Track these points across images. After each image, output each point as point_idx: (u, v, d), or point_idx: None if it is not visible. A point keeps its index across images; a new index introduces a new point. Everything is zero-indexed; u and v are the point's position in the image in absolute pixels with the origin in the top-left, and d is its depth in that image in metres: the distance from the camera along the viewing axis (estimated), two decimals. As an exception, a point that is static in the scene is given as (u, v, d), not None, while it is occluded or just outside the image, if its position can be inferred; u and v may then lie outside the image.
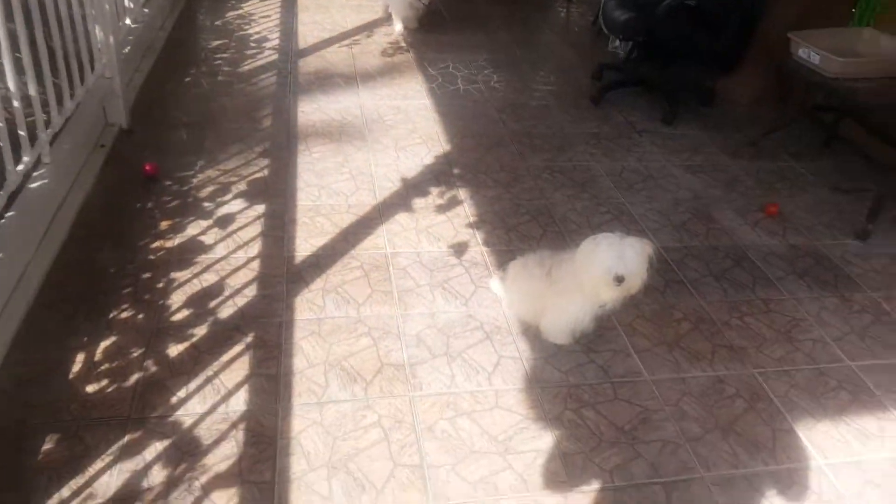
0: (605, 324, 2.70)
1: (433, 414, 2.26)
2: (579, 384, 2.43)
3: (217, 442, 2.13)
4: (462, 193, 3.53)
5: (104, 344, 2.43)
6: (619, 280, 2.22)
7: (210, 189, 3.40)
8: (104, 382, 2.29)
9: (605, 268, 2.24)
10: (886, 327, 2.86)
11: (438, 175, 3.68)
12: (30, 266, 2.63)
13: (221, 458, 2.08)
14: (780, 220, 3.55)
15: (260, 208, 3.26)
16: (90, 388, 2.26)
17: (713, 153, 4.20)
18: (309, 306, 2.67)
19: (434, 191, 3.53)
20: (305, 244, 3.03)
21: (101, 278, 2.74)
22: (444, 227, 3.24)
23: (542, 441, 2.21)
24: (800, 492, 2.14)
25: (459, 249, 3.09)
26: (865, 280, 3.14)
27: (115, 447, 2.08)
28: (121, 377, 2.31)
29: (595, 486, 2.08)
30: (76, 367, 2.33)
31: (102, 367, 2.34)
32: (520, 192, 3.59)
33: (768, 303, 2.93)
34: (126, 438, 2.11)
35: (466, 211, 3.38)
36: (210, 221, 3.15)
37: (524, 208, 3.45)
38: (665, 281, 3.00)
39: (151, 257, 2.87)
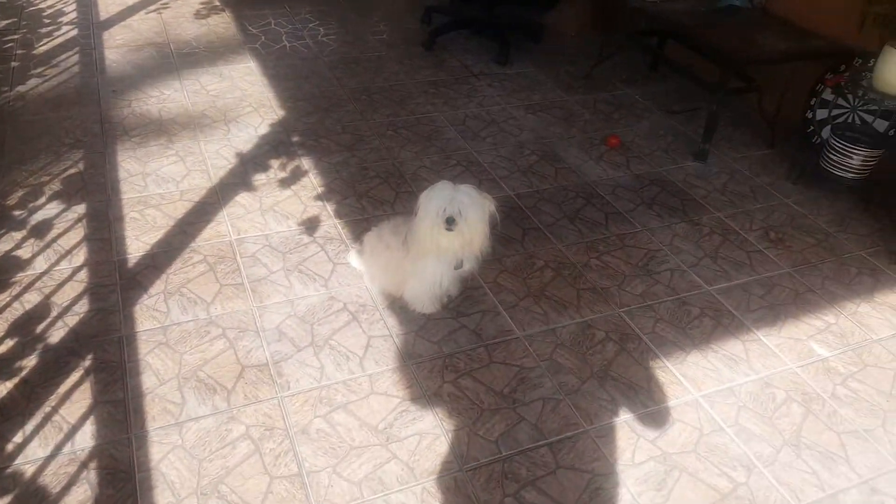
0: (470, 284, 2.68)
1: (306, 413, 2.13)
2: (453, 353, 2.39)
3: (67, 488, 1.88)
4: (305, 163, 3.31)
5: None
6: (450, 222, 2.19)
7: (18, 194, 2.95)
8: None
9: (434, 213, 2.22)
10: (734, 245, 3.05)
11: (277, 145, 3.43)
12: None
13: None
14: (622, 151, 3.68)
15: (80, 209, 2.88)
16: None
17: (549, 89, 4.26)
18: (150, 314, 2.40)
19: (274, 163, 3.28)
20: (137, 243, 2.71)
21: None
22: (291, 202, 3.04)
23: (424, 422, 2.15)
24: (682, 429, 2.22)
25: (311, 225, 2.91)
26: (710, 201, 3.33)
27: None
28: None
29: (484, 460, 2.06)
30: None
31: None
32: (366, 153, 3.43)
33: (623, 238, 3.03)
34: None
35: (312, 181, 3.19)
36: (24, 232, 2.74)
37: (373, 171, 3.30)
38: (523, 229, 3.02)
39: None
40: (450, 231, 2.21)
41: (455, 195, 2.22)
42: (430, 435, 2.11)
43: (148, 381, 2.17)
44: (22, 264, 2.58)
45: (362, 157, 3.39)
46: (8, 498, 1.86)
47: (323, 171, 3.26)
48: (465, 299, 2.61)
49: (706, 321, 2.63)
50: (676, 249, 2.99)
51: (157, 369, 2.21)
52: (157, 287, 2.51)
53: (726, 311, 2.68)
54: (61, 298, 2.43)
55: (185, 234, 2.78)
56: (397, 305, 2.55)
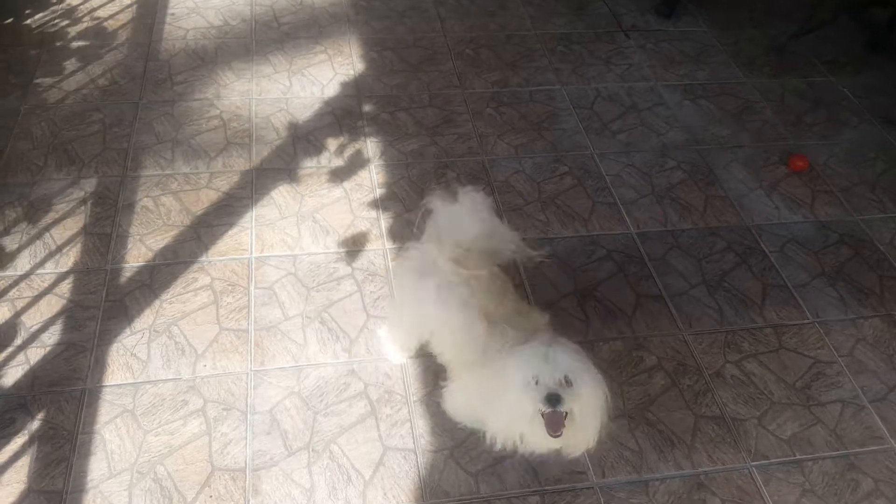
0: None
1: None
2: (492, 496, 1.75)
3: None
4: (370, 147, 2.64)
5: None
6: (554, 401, 1.41)
7: (28, 150, 2.50)
8: None
9: (523, 383, 1.45)
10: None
11: (342, 116, 2.75)
12: None
13: None
14: (809, 179, 2.68)
15: (88, 184, 2.39)
16: None
17: (722, 64, 3.20)
18: (126, 362, 1.93)
19: (332, 144, 2.63)
20: (140, 247, 2.21)
21: None
22: (339, 208, 2.41)
23: None
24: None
25: (354, 248, 2.28)
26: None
27: None
28: None
29: None
30: None
31: None
32: (450, 141, 2.69)
33: (782, 332, 2.17)
34: None
35: (372, 178, 2.53)
36: (18, 210, 2.29)
37: (453, 170, 2.58)
38: (636, 295, 2.22)
39: None
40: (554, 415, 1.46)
41: (556, 358, 1.45)
42: None
43: (96, 468, 1.72)
44: (3, 259, 2.16)
45: (444, 147, 2.66)
46: None
47: (390, 162, 2.58)
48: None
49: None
50: (858, 366, 2.11)
51: (111, 451, 1.75)
52: (145, 319, 2.03)
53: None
54: (32, 319, 2.02)
55: (199, 240, 2.26)
56: (434, 401, 1.94)
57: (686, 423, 1.95)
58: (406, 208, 2.43)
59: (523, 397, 1.44)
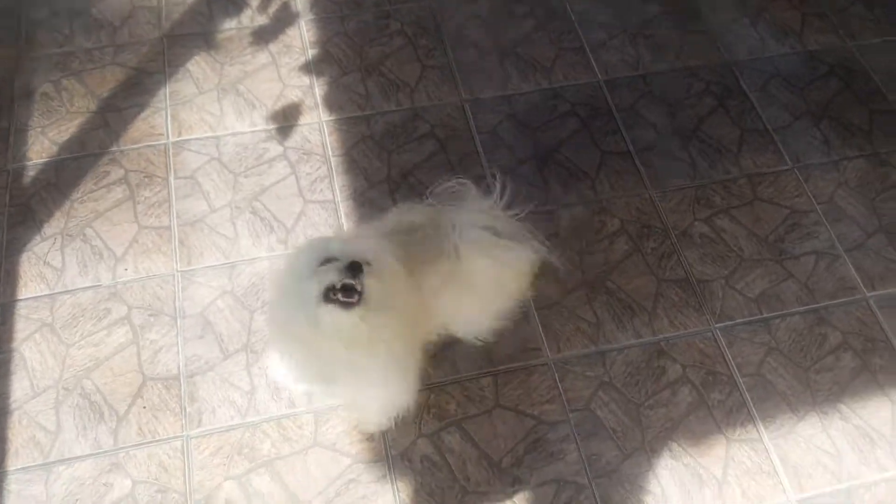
0: None
1: (214, 471, 1.52)
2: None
3: None
4: (300, 2, 2.27)
5: None
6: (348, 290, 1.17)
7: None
8: None
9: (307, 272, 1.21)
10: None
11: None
12: None
13: None
14: (798, 1, 2.33)
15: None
16: None
17: None
18: (40, 271, 1.75)
19: (254, 4, 2.25)
20: (42, 141, 1.96)
21: None
22: (265, 75, 2.11)
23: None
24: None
25: (286, 123, 2.02)
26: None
27: None
28: None
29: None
30: None
31: None
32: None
33: (758, 182, 1.95)
34: None
35: (303, 36, 2.20)
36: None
37: (396, 21, 2.24)
38: (601, 152, 1.97)
39: None
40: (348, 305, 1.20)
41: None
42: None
43: (19, 388, 1.61)
44: None
45: (385, -8, 2.34)
46: None
47: (322, 16, 2.23)
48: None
49: (846, 359, 1.73)
50: (836, 212, 1.94)
51: (33, 368, 1.63)
52: (56, 223, 1.83)
53: (883, 343, 1.78)
54: None
55: (108, 127, 1.99)
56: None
57: (648, 290, 1.81)
58: (343, 70, 2.13)
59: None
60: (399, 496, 1.53)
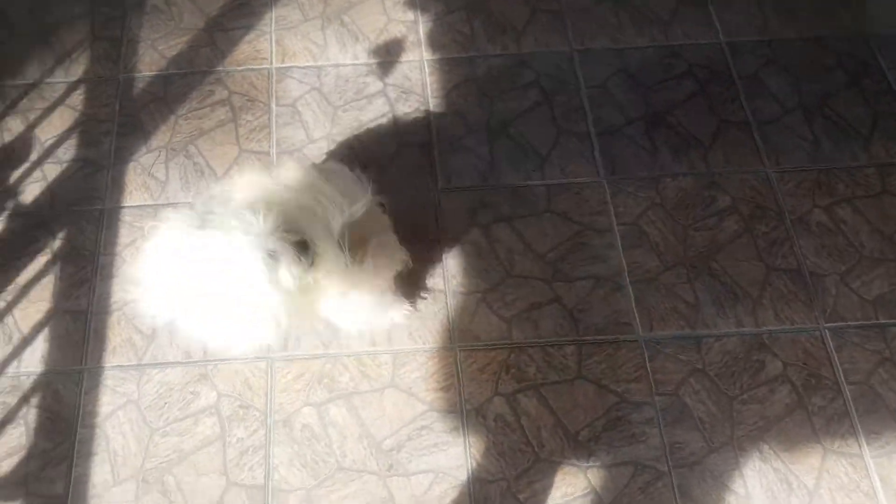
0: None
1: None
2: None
3: (1, 426, 1.56)
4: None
5: None
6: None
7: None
8: None
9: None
10: None
11: None
12: None
13: (6, 452, 1.46)
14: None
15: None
16: None
17: None
18: (144, 182, 1.72)
19: (367, -74, 2.16)
20: (152, 54, 1.90)
21: None
22: (370, 7, 1.97)
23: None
24: None
25: (387, 58, 1.89)
26: None
27: None
28: None
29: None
30: None
31: None
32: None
33: (889, 172, 1.72)
34: None
35: (413, -33, 2.09)
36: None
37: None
38: (718, 121, 1.77)
39: None
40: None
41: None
42: None
43: (118, 290, 1.63)
44: (14, 67, 1.90)
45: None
46: None
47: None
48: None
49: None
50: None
51: (126, 277, 1.66)
52: (161, 137, 1.79)
53: None
54: (46, 133, 1.81)
55: (214, 47, 1.92)
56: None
57: (755, 276, 1.64)
58: (448, 8, 1.98)
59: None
60: (469, 451, 1.47)
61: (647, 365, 1.56)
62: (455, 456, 1.48)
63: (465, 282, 1.64)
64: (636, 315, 1.61)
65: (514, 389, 1.54)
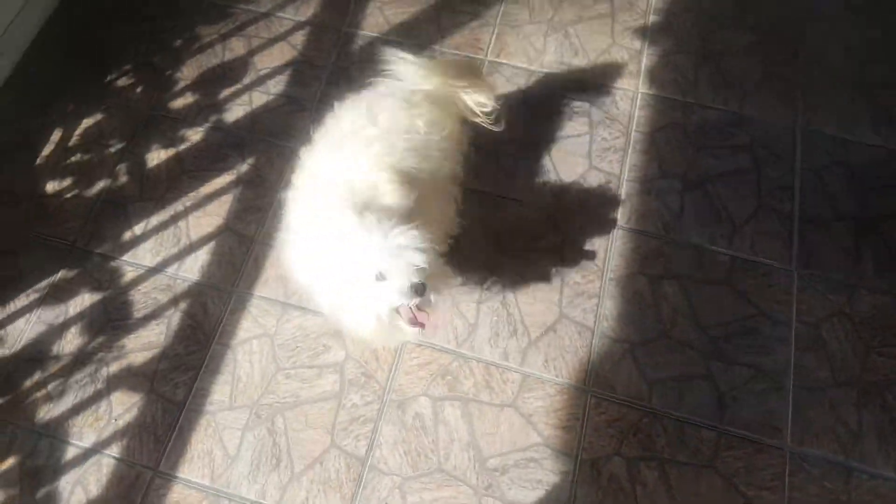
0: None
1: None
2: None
3: (147, 319, 1.54)
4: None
5: (87, 123, 1.76)
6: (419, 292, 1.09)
7: None
8: (67, 182, 1.69)
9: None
10: None
11: (642, -88, 2.09)
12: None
13: (144, 344, 1.51)
14: None
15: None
16: (50, 187, 1.68)
17: None
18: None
19: (617, -53, 2.04)
20: (377, 16, 1.87)
21: (112, 20, 1.91)
22: (598, 26, 1.85)
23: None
24: None
25: (600, 81, 1.76)
26: None
27: (45, 283, 1.59)
28: (86, 180, 1.69)
29: None
30: (48, 148, 1.73)
31: (73, 159, 1.72)
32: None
33: None
34: (59, 275, 1.59)
35: None
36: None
37: (755, 12, 1.85)
38: None
39: None
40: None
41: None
42: None
43: (283, 229, 1.64)
44: None
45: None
46: (97, 296, 1.56)
47: (680, -19, 1.95)
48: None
49: None
50: None
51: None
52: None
53: None
54: (263, 62, 1.82)
55: (438, 25, 1.86)
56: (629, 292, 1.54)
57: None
58: (679, 48, 1.82)
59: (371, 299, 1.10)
60: (574, 501, 1.35)
61: (787, 479, 1.37)
62: (556, 501, 1.36)
63: (616, 327, 1.51)
64: (790, 422, 1.41)
65: (637, 455, 1.39)
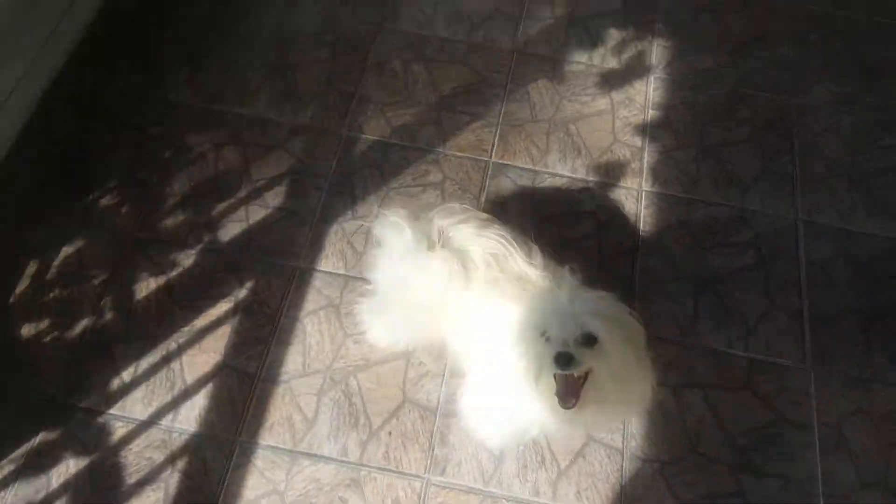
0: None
1: None
2: None
3: (141, 485, 1.33)
4: (656, 52, 1.91)
5: (66, 251, 1.55)
6: (565, 362, 0.96)
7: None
8: (45, 324, 1.47)
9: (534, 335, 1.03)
10: None
11: (633, 3, 2.00)
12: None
13: None
14: None
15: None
16: (26, 330, 1.46)
17: None
18: (340, 249, 1.55)
19: (611, 38, 1.93)
20: (378, 118, 1.74)
21: (93, 128, 1.73)
22: (599, 123, 1.78)
23: None
24: None
25: (604, 180, 1.68)
26: None
27: (22, 450, 1.34)
28: (66, 320, 1.47)
29: None
30: (23, 284, 1.51)
31: (51, 295, 1.51)
32: (757, 67, 1.89)
33: None
34: (39, 439, 1.36)
35: (648, 93, 1.84)
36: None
37: (748, 105, 1.82)
38: None
39: (173, 96, 1.76)
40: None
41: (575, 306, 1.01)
42: None
43: (292, 361, 1.43)
44: (247, 98, 1.76)
45: (745, 73, 1.87)
46: (82, 463, 1.33)
47: (674, 78, 1.86)
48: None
49: None
50: None
51: (309, 346, 1.45)
52: (368, 205, 1.61)
53: None
54: (259, 172, 1.66)
55: (439, 126, 1.75)
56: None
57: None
58: (679, 143, 1.77)
59: (528, 353, 1.01)
60: None
61: None
62: None
63: (645, 447, 1.41)
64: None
65: (679, 585, 1.30)
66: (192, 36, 1.87)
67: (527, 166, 1.72)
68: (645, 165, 1.74)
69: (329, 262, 1.56)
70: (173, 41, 1.87)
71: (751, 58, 1.92)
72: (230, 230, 1.61)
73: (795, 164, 1.77)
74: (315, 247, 1.59)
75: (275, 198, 1.65)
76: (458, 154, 1.72)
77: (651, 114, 1.81)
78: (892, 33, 2.00)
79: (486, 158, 1.73)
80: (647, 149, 1.76)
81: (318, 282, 1.54)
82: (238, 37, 1.88)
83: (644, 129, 1.79)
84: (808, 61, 1.93)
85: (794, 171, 1.76)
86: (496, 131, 1.77)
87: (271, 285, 1.54)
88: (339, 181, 1.68)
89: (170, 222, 1.60)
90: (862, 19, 2.02)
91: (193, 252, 1.57)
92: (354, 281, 1.54)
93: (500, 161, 1.73)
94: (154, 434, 1.37)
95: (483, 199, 1.67)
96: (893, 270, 1.63)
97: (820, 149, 1.79)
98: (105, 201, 1.62)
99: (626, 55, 1.90)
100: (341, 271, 1.55)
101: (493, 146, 1.74)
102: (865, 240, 1.67)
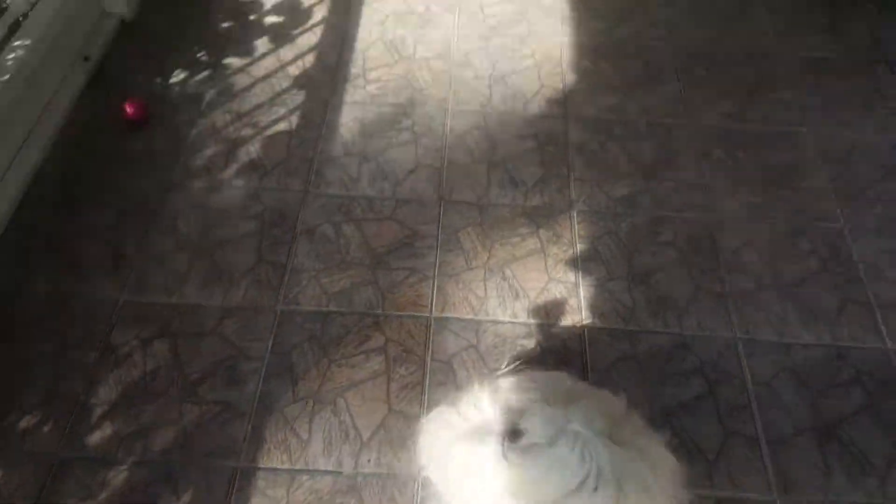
0: None
1: None
2: None
3: None
4: (574, 187, 1.92)
5: None
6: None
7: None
8: None
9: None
10: None
11: (545, 141, 2.03)
12: None
13: None
14: None
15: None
16: None
17: None
18: (284, 438, 1.44)
19: (530, 177, 1.94)
20: (313, 287, 1.67)
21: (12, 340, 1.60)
22: (532, 264, 1.76)
23: None
24: None
25: (545, 321, 1.65)
26: None
27: None
28: None
29: None
30: None
31: None
32: (670, 190, 1.93)
33: None
34: None
35: (573, 228, 1.84)
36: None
37: (670, 227, 1.84)
38: (894, 445, 1.55)
39: (96, 292, 1.64)
40: None
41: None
42: None
43: None
44: (172, 283, 1.67)
45: (661, 197, 1.91)
46: None
47: (595, 209, 1.87)
48: None
49: None
50: None
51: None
52: (310, 384, 1.51)
53: None
54: (191, 365, 1.55)
55: (376, 286, 1.68)
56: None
57: None
58: (610, 274, 1.76)
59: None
60: None
61: None
62: None
63: None
64: None
65: None
66: (114, 224, 1.79)
67: (468, 317, 1.66)
68: (582, 301, 1.71)
69: (272, 457, 1.43)
70: (93, 232, 1.76)
71: (664, 180, 1.96)
72: (163, 435, 1.46)
73: (725, 282, 1.77)
74: (255, 441, 1.45)
75: (209, 391, 1.52)
76: (399, 313, 1.66)
77: (580, 248, 1.80)
78: (786, 142, 2.12)
79: (426, 314, 1.66)
80: (581, 284, 1.74)
81: (261, 481, 1.39)
82: (163, 221, 1.79)
83: (575, 264, 1.78)
84: (716, 177, 1.99)
85: (724, 288, 1.76)
86: (433, 284, 1.72)
87: (213, 491, 1.39)
88: (277, 362, 1.57)
89: (97, 436, 1.44)
90: (759, 131, 2.11)
91: (125, 467, 1.40)
92: (301, 475, 1.41)
93: (441, 315, 1.66)
94: None
95: (429, 359, 1.59)
96: (832, 379, 1.62)
97: (744, 263, 1.82)
98: (24, 423, 1.44)
99: (547, 192, 1.91)
100: (286, 465, 1.42)
101: (432, 301, 1.69)
102: (802, 350, 1.66)
